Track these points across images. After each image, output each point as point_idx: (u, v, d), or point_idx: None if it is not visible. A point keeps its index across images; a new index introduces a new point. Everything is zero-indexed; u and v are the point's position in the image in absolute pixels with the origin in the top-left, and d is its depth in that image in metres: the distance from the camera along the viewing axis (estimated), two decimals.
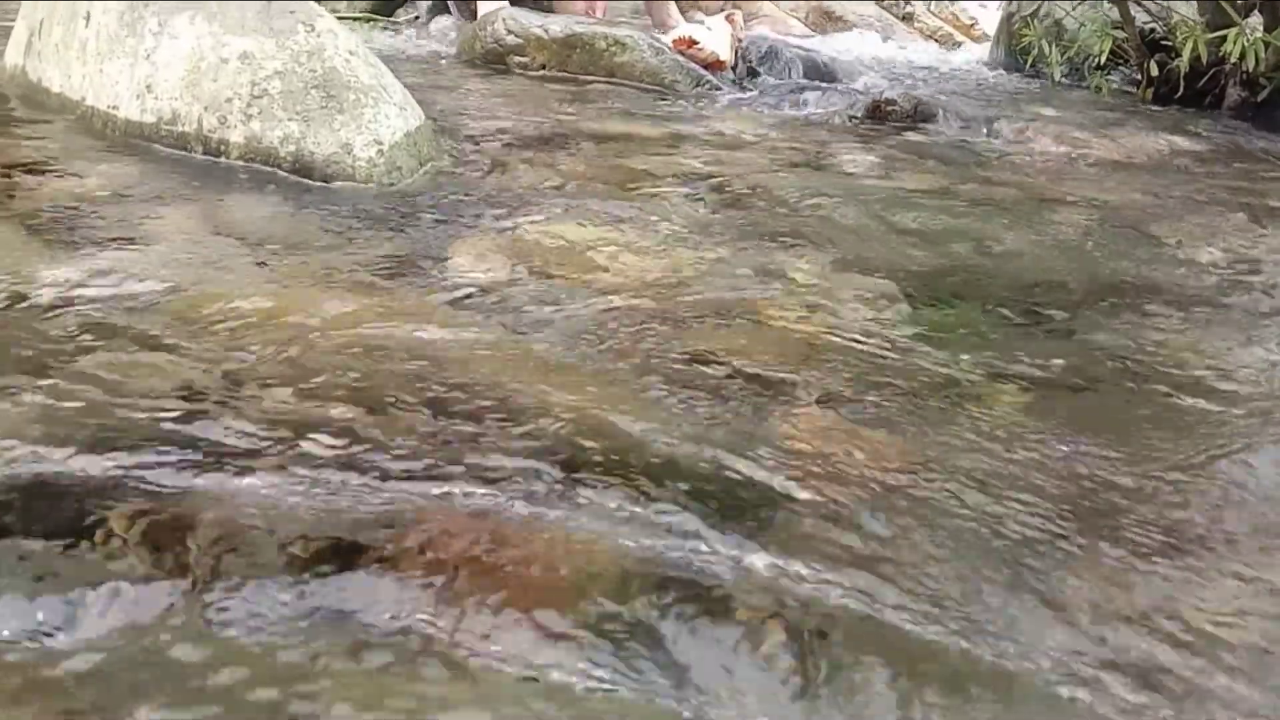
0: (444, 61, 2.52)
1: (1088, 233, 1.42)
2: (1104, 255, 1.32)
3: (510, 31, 2.43)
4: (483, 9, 2.70)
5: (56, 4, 1.44)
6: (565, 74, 2.40)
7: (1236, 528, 0.71)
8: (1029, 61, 3.02)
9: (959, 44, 4.34)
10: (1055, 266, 1.25)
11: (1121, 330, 1.05)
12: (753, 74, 2.62)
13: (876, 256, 1.21)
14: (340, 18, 2.79)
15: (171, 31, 1.29)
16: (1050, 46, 2.79)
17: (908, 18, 4.42)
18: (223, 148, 1.24)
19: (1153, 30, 2.94)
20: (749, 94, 2.38)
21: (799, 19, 4.16)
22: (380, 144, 1.23)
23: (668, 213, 1.32)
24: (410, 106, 1.32)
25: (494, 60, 2.46)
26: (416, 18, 3.15)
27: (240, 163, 1.24)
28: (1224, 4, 2.36)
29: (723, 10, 2.67)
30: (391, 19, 3.09)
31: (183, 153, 1.28)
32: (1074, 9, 2.99)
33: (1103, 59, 2.63)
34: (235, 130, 1.23)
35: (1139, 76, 2.78)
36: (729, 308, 1.01)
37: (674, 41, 2.46)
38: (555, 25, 2.42)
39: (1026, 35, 2.82)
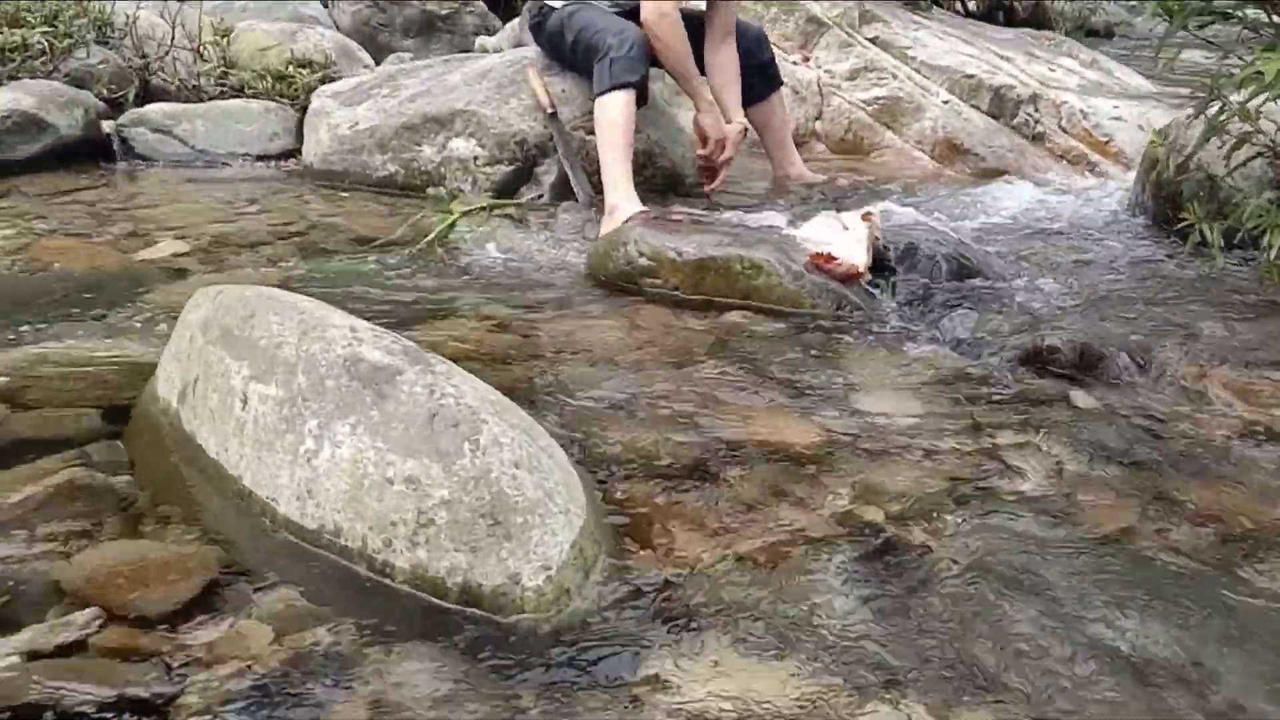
0: (572, 282, 2.48)
1: None
2: None
3: (642, 254, 2.38)
4: (608, 224, 2.67)
5: (210, 364, 1.44)
6: (699, 295, 2.34)
7: None
8: (1178, 217, 2.85)
9: (1094, 165, 4.17)
10: None
11: None
12: (891, 272, 2.52)
13: None
14: (465, 212, 2.81)
15: (332, 438, 1.26)
16: (1212, 231, 2.62)
17: (1038, 138, 4.25)
18: (388, 570, 1.20)
19: None
20: (889, 317, 2.28)
21: (924, 151, 4.04)
22: (549, 569, 1.18)
23: (832, 630, 1.23)
24: (574, 504, 1.26)
25: (626, 280, 2.41)
26: (540, 196, 3.13)
27: (406, 588, 1.20)
28: None
29: (860, 210, 2.57)
30: (515, 200, 3.07)
31: (347, 565, 1.24)
32: (1225, 160, 2.80)
33: (1273, 252, 2.45)
34: (401, 556, 1.19)
35: None
36: None
37: (811, 257, 2.38)
38: (689, 248, 2.36)
39: (1185, 218, 2.65)
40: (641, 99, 2.94)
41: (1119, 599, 1.31)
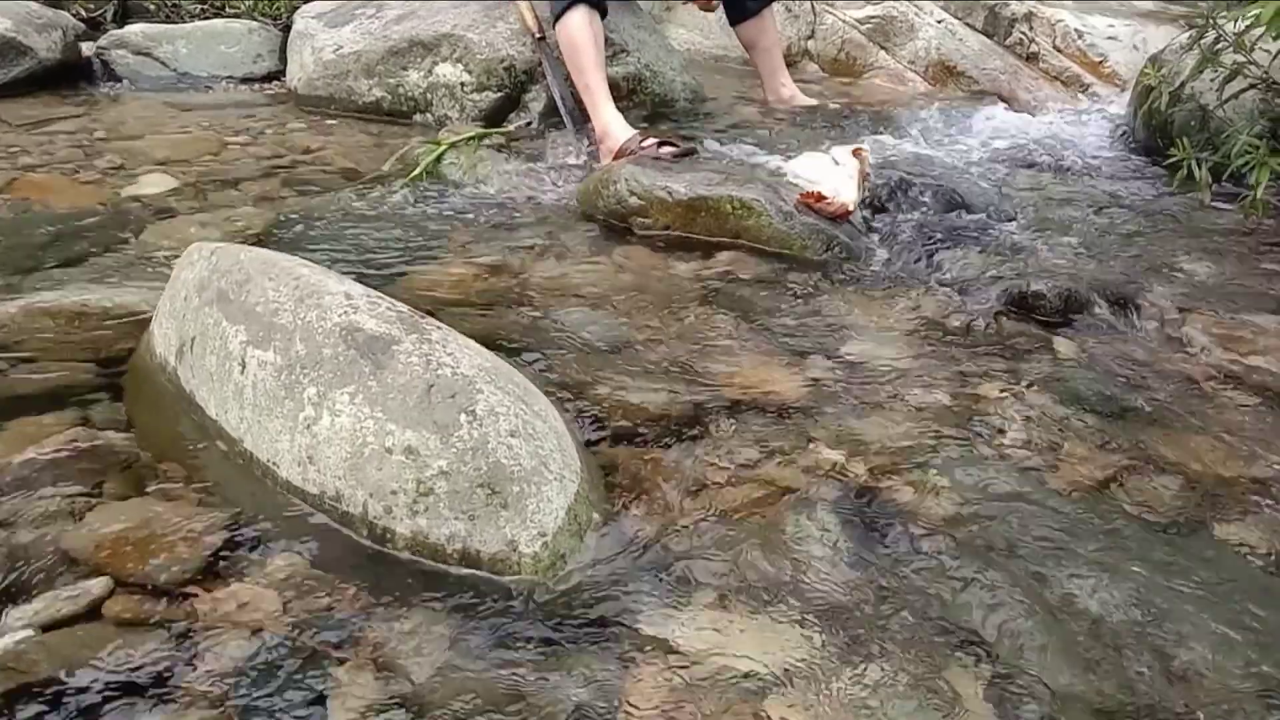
0: (562, 219, 2.47)
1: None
2: None
3: (633, 193, 2.38)
4: (605, 151, 2.65)
5: (207, 327, 1.45)
6: (690, 235, 2.35)
7: None
8: (1169, 151, 2.85)
9: (1087, 87, 4.14)
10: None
11: None
12: (881, 209, 2.52)
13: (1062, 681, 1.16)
14: (452, 143, 2.79)
15: (331, 407, 1.29)
16: (1200, 168, 2.62)
17: (1032, 58, 4.21)
18: (389, 536, 1.24)
19: None
20: (878, 258, 2.30)
21: (917, 73, 3.99)
22: (544, 535, 1.22)
23: (826, 587, 1.28)
24: (569, 470, 1.30)
25: (616, 219, 2.42)
26: (529, 123, 3.10)
27: (407, 554, 1.24)
28: None
29: (852, 145, 2.56)
30: (503, 129, 3.04)
31: (348, 531, 1.28)
32: (1218, 92, 2.79)
33: (1259, 191, 2.46)
34: (401, 523, 1.23)
35: None
36: None
37: (801, 196, 2.38)
38: (680, 187, 2.36)
39: (1172, 157, 2.65)
40: (603, 10, 2.87)
41: (1091, 557, 1.37)
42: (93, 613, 1.18)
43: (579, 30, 2.76)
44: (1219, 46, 2.72)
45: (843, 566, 1.34)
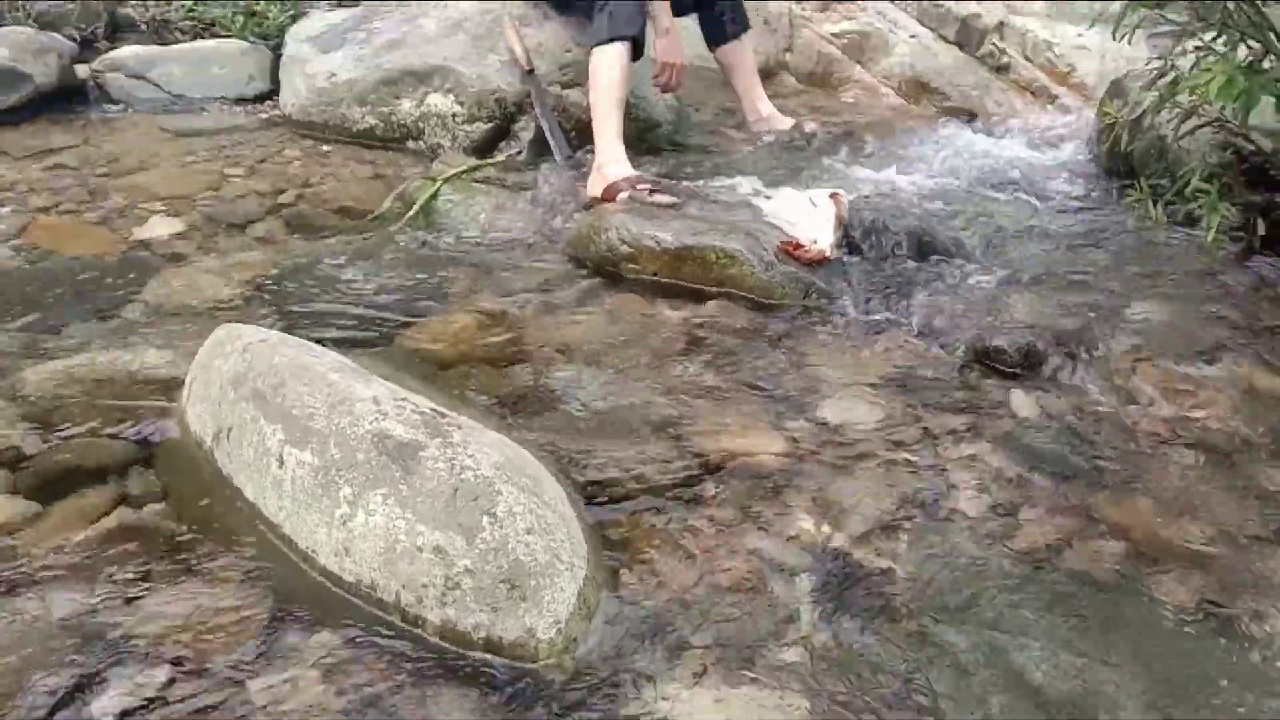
0: (556, 265, 2.61)
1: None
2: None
3: (623, 241, 2.52)
4: (596, 181, 2.77)
5: (245, 421, 1.60)
6: (677, 282, 2.49)
7: None
8: (1129, 185, 3.02)
9: (1055, 98, 4.28)
10: None
11: None
12: (856, 250, 2.67)
13: None
14: (447, 178, 2.91)
15: (366, 505, 1.44)
16: (1155, 207, 2.79)
17: (1003, 69, 4.34)
18: (420, 623, 1.40)
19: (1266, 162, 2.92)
20: (853, 305, 2.45)
21: (891, 88, 4.12)
22: (559, 623, 1.38)
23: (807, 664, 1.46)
24: (577, 557, 1.46)
25: (607, 264, 2.55)
26: (519, 153, 3.22)
27: (436, 639, 1.40)
28: None
29: (828, 190, 2.70)
30: (494, 159, 3.15)
31: (383, 616, 1.44)
32: (1176, 130, 2.95)
33: (1210, 234, 2.63)
34: (432, 612, 1.39)
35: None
36: None
37: (780, 244, 2.53)
38: (667, 236, 2.50)
39: (1130, 195, 2.81)
40: (637, 53, 2.99)
41: (1040, 623, 1.55)
42: (158, 700, 1.34)
43: (611, 67, 2.89)
44: (1177, 87, 2.87)
45: (823, 636, 1.52)
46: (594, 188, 2.85)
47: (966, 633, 1.53)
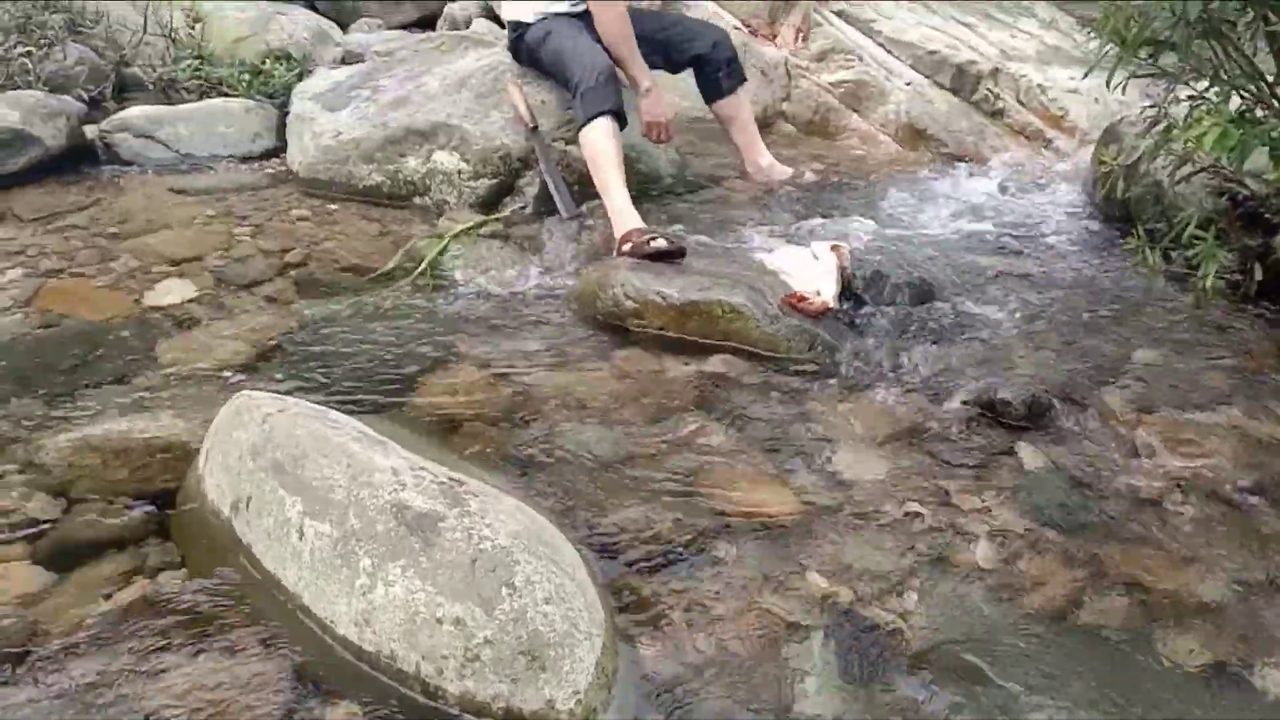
0: (563, 321, 2.63)
1: None
2: None
3: (629, 297, 2.55)
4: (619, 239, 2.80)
5: (264, 491, 1.61)
6: (683, 336, 2.52)
7: None
8: (1126, 235, 3.05)
9: (1049, 141, 4.33)
10: None
11: None
12: (859, 301, 2.70)
13: None
14: (454, 235, 2.95)
15: (385, 578, 1.45)
16: (1152, 254, 2.83)
17: (997, 114, 4.40)
18: (440, 694, 1.41)
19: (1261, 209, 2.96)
20: (857, 356, 2.47)
21: (888, 135, 4.18)
22: (578, 693, 1.40)
23: None
24: (595, 625, 1.47)
25: (614, 319, 2.58)
26: (524, 207, 3.26)
27: (456, 710, 1.41)
28: None
29: (830, 241, 2.74)
30: (499, 215, 3.19)
31: (402, 687, 1.45)
32: (1171, 176, 3.00)
33: (1208, 281, 2.66)
34: (451, 684, 1.40)
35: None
36: None
37: (784, 298, 2.56)
38: (673, 292, 2.53)
39: (1128, 241, 2.85)
40: (622, 121, 3.05)
41: (1054, 681, 1.56)
42: None
43: (602, 140, 2.97)
44: (1171, 135, 2.92)
45: (835, 697, 1.53)
46: (618, 244, 2.89)
47: (980, 693, 1.54)
